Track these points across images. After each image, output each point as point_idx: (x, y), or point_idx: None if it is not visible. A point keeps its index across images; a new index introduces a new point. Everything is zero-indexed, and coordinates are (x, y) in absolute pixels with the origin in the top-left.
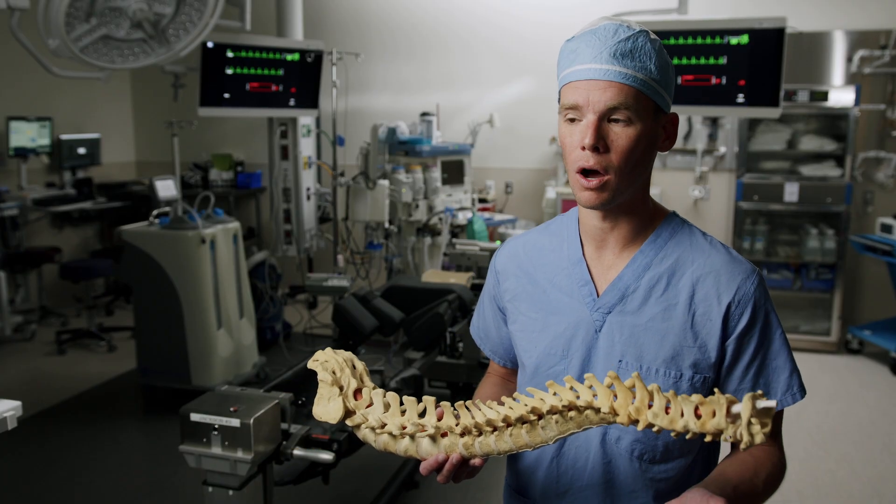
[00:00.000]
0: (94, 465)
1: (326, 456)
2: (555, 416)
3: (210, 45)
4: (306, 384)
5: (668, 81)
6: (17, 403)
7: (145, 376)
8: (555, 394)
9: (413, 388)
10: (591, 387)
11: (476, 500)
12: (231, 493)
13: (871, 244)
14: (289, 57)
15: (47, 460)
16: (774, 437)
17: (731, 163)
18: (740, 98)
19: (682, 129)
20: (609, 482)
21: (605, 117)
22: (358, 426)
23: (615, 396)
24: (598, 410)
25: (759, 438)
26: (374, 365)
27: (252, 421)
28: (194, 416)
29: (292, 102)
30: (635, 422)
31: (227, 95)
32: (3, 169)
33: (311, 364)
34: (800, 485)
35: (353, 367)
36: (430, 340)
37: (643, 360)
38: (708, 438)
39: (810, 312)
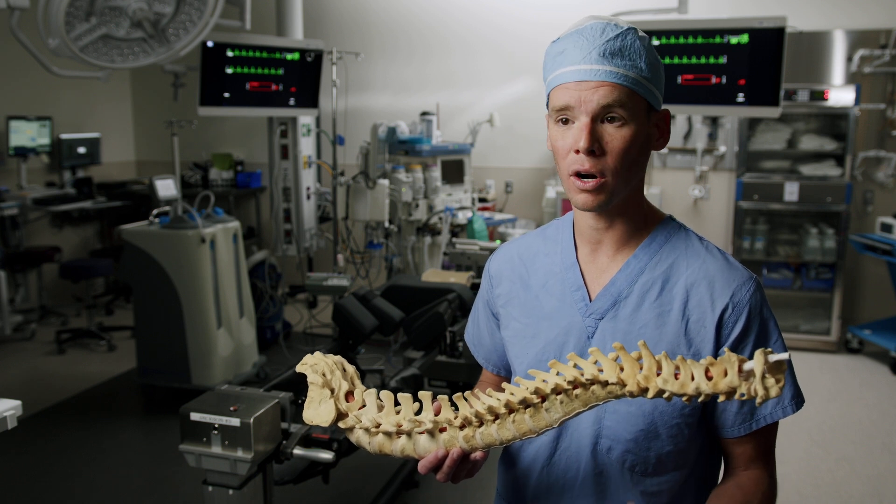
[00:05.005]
0: (94, 465)
1: (326, 455)
2: (559, 396)
3: (210, 44)
4: (306, 383)
5: (658, 79)
6: (17, 403)
7: (145, 376)
8: (558, 373)
9: (413, 387)
10: (595, 362)
11: (475, 499)
12: (231, 492)
13: (871, 244)
14: (289, 56)
15: (47, 460)
16: (765, 456)
17: (731, 162)
18: (740, 97)
19: (681, 128)
20: (601, 493)
21: (599, 118)
22: (351, 428)
23: (621, 369)
24: (604, 384)
25: (774, 392)
26: (374, 364)
27: (252, 420)
28: (194, 416)
29: (292, 102)
30: (644, 390)
31: (226, 95)
32: (3, 168)
33: (299, 367)
34: (800, 485)
35: (344, 369)
36: (430, 340)
37: None
38: (721, 398)
39: (810, 312)
